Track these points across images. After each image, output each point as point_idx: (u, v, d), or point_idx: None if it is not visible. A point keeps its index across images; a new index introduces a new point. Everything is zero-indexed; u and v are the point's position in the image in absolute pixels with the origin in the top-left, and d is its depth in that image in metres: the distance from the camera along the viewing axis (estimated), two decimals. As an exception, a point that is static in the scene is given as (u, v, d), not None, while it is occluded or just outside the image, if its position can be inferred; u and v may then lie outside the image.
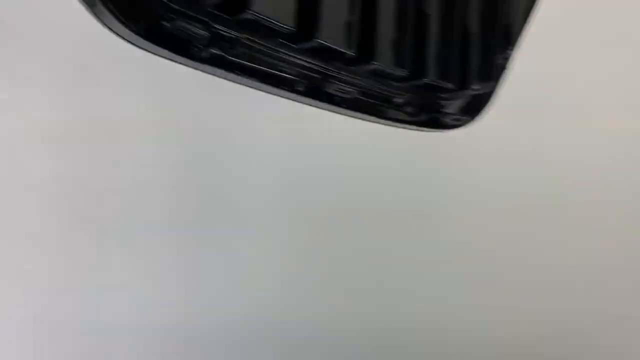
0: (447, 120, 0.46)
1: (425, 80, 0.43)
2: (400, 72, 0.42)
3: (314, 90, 0.42)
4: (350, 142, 0.66)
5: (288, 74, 0.40)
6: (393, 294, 0.65)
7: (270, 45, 0.38)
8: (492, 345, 0.65)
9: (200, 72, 0.44)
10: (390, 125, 0.46)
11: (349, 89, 0.42)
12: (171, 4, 0.32)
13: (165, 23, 0.33)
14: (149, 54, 0.39)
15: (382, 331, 0.65)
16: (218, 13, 0.34)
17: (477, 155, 0.66)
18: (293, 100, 0.41)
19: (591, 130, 0.66)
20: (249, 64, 0.38)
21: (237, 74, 0.38)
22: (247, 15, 0.34)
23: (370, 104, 0.44)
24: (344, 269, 0.66)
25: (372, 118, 0.45)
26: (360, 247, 0.66)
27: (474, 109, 0.47)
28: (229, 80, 0.38)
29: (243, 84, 0.39)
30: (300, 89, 0.41)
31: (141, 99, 0.68)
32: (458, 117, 0.47)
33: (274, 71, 0.39)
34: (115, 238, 0.69)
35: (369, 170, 0.66)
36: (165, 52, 0.33)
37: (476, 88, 0.46)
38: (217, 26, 0.35)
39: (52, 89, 0.68)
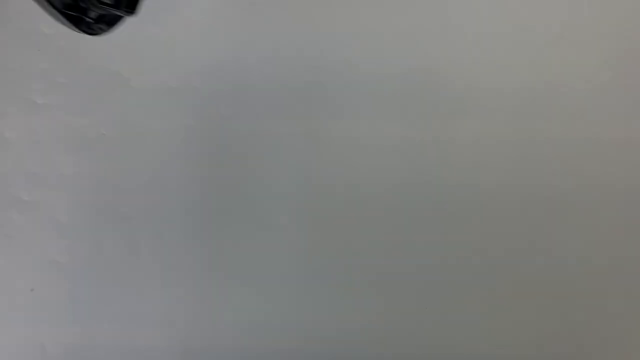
0: (86, 25, 0.57)
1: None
2: None
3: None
4: (367, 146, 0.69)
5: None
6: (413, 299, 0.67)
7: None
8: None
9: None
10: (47, 10, 0.55)
11: None
12: None
13: None
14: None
15: (404, 339, 0.67)
16: None
17: (482, 159, 0.69)
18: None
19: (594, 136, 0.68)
20: None
21: None
22: None
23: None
24: (361, 272, 0.68)
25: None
26: (377, 251, 0.68)
27: (108, 24, 0.60)
28: None
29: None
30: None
31: (168, 103, 0.69)
32: (95, 25, 0.58)
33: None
34: (143, 234, 0.69)
35: (384, 175, 0.69)
36: None
37: (120, 10, 0.58)
38: None
39: (85, 94, 0.68)
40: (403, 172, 0.68)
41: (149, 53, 0.71)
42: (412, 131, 0.69)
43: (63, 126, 0.70)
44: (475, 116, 0.69)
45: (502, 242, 0.67)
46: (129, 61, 0.71)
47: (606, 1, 0.69)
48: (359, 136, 0.69)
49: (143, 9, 0.62)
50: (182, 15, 0.71)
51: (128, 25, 0.64)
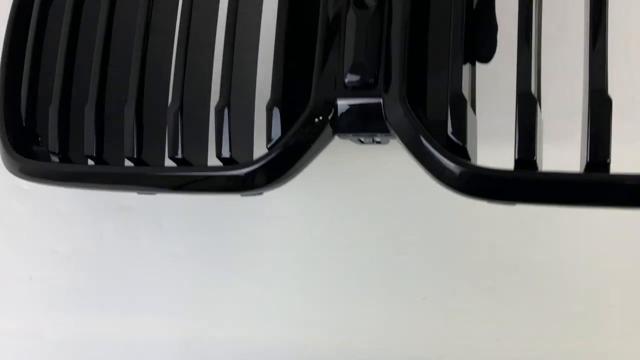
0: None
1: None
2: None
3: None
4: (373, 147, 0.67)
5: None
6: (417, 297, 0.67)
7: None
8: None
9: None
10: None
11: None
12: None
13: None
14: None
15: (407, 337, 0.66)
16: None
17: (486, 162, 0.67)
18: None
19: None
20: None
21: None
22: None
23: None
24: (365, 267, 0.68)
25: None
26: (380, 248, 0.68)
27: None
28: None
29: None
30: None
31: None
32: None
33: None
34: (143, 224, 0.70)
35: (389, 174, 0.69)
36: None
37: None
38: None
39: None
40: (409, 173, 0.67)
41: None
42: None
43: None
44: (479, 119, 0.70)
45: (507, 243, 0.67)
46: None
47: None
48: (361, 148, 0.67)
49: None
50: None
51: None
